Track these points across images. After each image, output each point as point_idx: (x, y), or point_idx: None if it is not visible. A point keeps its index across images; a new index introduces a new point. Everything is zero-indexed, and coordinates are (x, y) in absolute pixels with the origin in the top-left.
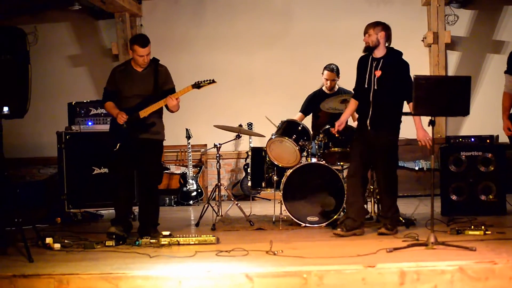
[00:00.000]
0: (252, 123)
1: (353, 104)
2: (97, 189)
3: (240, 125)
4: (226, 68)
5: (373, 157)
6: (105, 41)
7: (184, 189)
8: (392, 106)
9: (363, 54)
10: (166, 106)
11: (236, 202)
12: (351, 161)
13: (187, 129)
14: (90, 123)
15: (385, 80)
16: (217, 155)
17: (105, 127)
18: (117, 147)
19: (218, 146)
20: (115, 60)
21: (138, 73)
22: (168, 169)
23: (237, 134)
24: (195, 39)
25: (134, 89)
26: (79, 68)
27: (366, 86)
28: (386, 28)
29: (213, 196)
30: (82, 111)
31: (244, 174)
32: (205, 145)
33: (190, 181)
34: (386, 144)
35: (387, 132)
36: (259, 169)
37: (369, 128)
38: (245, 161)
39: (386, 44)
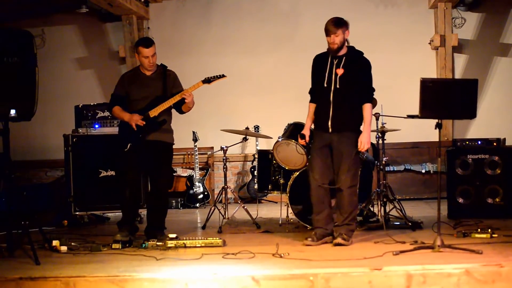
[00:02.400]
0: (258, 126)
1: (312, 108)
2: (104, 191)
3: (247, 128)
4: (233, 71)
5: (337, 162)
6: (112, 44)
7: (191, 191)
8: (354, 106)
9: (320, 53)
10: (177, 107)
11: (242, 205)
12: (313, 169)
13: (193, 132)
14: (97, 126)
15: (348, 79)
16: (224, 157)
17: (112, 130)
18: (128, 147)
19: (225, 148)
20: (122, 63)
21: (147, 77)
22: (175, 171)
23: (243, 136)
24: (202, 41)
25: (142, 91)
26: (86, 71)
27: (326, 85)
28: (348, 25)
29: (220, 199)
30: (89, 114)
31: (250, 176)
32: (212, 147)
33: (197, 183)
34: (350, 147)
35: (350, 134)
36: (266, 171)
37: (330, 130)
38: (252, 163)
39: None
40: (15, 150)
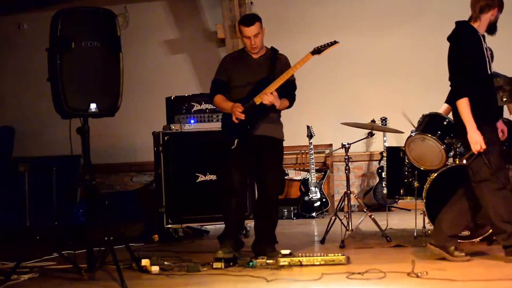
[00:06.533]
0: (386, 118)
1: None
2: (202, 200)
3: (373, 121)
4: (353, 53)
5: None
6: (208, 23)
7: (306, 198)
8: None
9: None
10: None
11: (369, 214)
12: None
13: (308, 127)
14: (192, 121)
15: None
16: (346, 157)
17: (211, 126)
18: (235, 144)
19: (347, 146)
20: (221, 45)
21: (254, 60)
22: (287, 174)
23: (369, 131)
24: (315, 18)
25: (248, 76)
26: (178, 56)
27: (490, 72)
28: None
29: (341, 207)
30: (183, 107)
31: (377, 179)
32: (330, 145)
33: (313, 188)
34: None
35: None
36: (396, 173)
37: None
38: (379, 163)
39: None
40: (96, 152)
